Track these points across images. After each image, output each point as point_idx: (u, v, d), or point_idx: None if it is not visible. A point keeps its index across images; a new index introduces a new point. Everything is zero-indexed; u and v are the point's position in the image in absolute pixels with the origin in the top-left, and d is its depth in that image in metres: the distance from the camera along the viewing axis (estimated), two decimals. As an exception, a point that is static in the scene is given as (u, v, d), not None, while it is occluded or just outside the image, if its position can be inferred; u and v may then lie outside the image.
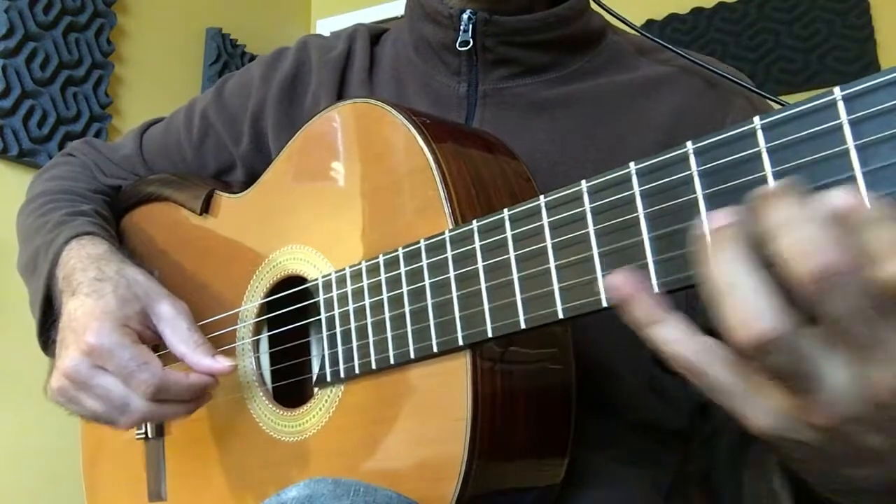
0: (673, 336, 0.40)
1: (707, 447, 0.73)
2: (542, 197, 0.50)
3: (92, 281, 0.76)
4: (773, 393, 0.38)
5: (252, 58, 2.90)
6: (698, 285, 0.39)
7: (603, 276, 0.46)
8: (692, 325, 0.40)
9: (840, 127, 0.36)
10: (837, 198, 0.34)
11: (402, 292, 0.60)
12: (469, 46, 0.79)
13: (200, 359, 0.72)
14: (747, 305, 0.36)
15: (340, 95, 0.87)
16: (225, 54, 2.83)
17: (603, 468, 0.71)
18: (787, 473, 0.50)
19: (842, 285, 0.34)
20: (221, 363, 0.72)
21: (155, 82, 2.61)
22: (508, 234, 0.52)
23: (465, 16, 0.78)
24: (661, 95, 0.78)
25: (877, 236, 0.33)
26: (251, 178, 0.85)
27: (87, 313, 0.73)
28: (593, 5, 0.83)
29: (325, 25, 3.37)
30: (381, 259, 0.62)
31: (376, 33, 0.93)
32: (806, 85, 2.50)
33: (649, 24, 2.76)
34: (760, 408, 0.39)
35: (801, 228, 0.34)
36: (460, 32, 0.79)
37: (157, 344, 0.75)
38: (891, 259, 0.33)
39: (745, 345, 0.36)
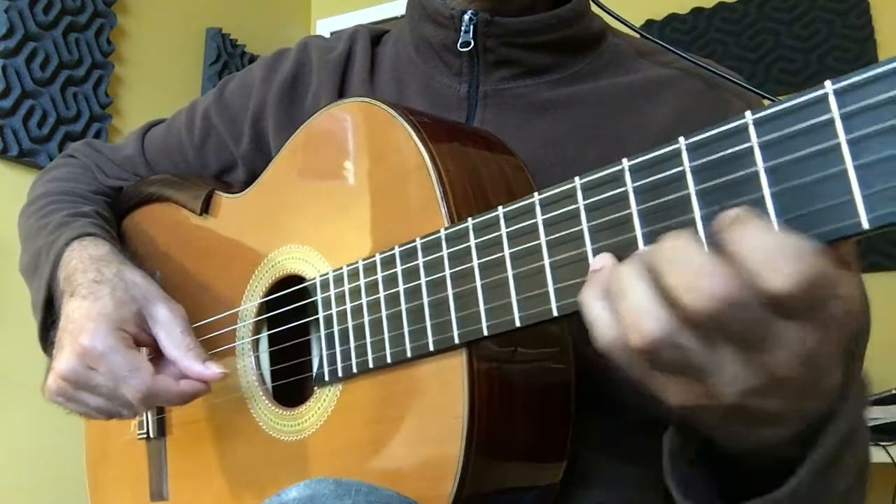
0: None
1: None
2: (536, 194, 0.50)
3: (90, 283, 0.76)
4: (673, 383, 0.43)
5: (252, 58, 2.90)
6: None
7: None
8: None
9: (832, 121, 0.36)
10: (717, 225, 0.39)
11: (399, 291, 0.60)
12: (470, 47, 0.79)
13: (191, 364, 0.73)
14: (636, 307, 0.41)
15: (341, 96, 0.87)
16: (225, 54, 2.84)
17: (603, 468, 0.71)
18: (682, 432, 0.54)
19: (734, 308, 0.38)
20: (211, 370, 0.73)
21: (155, 82, 2.61)
22: (503, 231, 0.52)
23: (466, 16, 0.78)
24: (661, 98, 0.78)
25: (755, 255, 0.37)
26: (252, 178, 0.85)
27: (83, 315, 0.73)
28: (593, 7, 0.83)
29: (325, 25, 3.37)
30: (377, 258, 0.62)
31: (377, 34, 0.93)
32: (806, 85, 2.46)
33: (649, 24, 2.76)
34: (667, 388, 0.44)
35: (687, 264, 0.39)
36: (461, 33, 0.79)
37: (153, 347, 0.76)
38: (773, 272, 0.36)
39: (636, 346, 0.41)
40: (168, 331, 0.75)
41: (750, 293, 0.37)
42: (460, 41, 0.79)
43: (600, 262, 0.44)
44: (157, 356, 0.75)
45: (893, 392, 1.97)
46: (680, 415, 0.49)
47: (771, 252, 0.36)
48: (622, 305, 0.41)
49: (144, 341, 0.75)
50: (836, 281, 0.38)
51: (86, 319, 0.72)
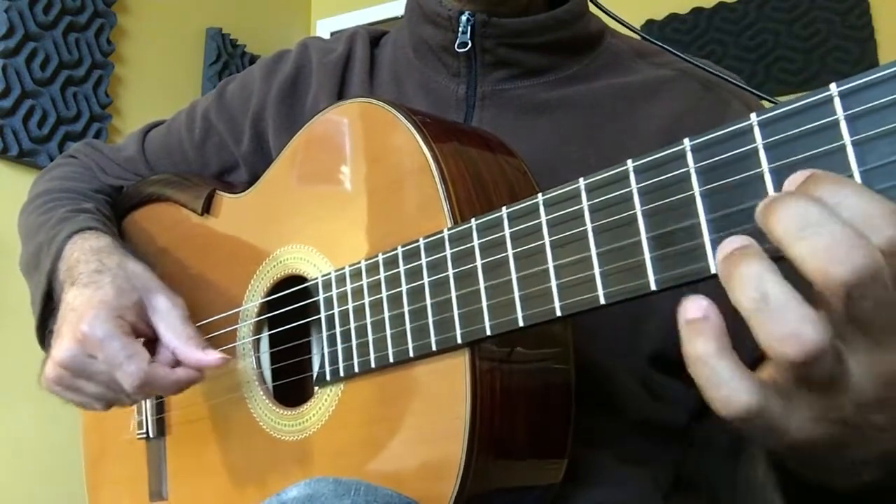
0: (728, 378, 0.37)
1: (704, 448, 0.73)
2: (540, 195, 0.50)
3: (92, 272, 0.77)
4: (799, 396, 0.37)
5: (252, 58, 2.91)
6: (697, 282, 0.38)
7: (601, 272, 0.46)
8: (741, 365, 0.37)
9: (837, 123, 0.36)
10: (849, 196, 0.33)
11: (402, 291, 0.60)
12: (468, 48, 0.79)
13: (191, 352, 0.73)
14: (789, 319, 0.34)
15: (340, 97, 0.87)
16: (225, 54, 2.83)
17: (604, 467, 0.71)
18: (772, 462, 0.50)
19: (871, 283, 0.33)
20: (211, 356, 0.73)
21: (155, 82, 2.61)
22: (507, 231, 0.52)
23: (463, 17, 0.78)
24: (659, 99, 0.78)
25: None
26: (253, 178, 0.86)
27: (83, 303, 0.74)
28: (592, 7, 0.83)
29: (325, 26, 3.37)
30: (380, 258, 0.62)
31: (376, 35, 0.94)
32: (806, 85, 2.50)
33: (649, 24, 2.76)
34: (794, 421, 0.38)
35: (820, 234, 0.33)
36: (459, 34, 0.79)
37: (153, 337, 0.76)
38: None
39: (795, 359, 0.34)
40: (167, 321, 0.75)
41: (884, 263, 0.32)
42: (458, 42, 0.79)
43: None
44: (154, 346, 0.76)
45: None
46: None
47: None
48: (773, 324, 0.34)
49: (143, 331, 0.75)
50: None
51: (86, 306, 0.73)
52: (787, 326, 0.34)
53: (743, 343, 0.37)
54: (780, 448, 0.41)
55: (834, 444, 0.39)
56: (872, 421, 0.38)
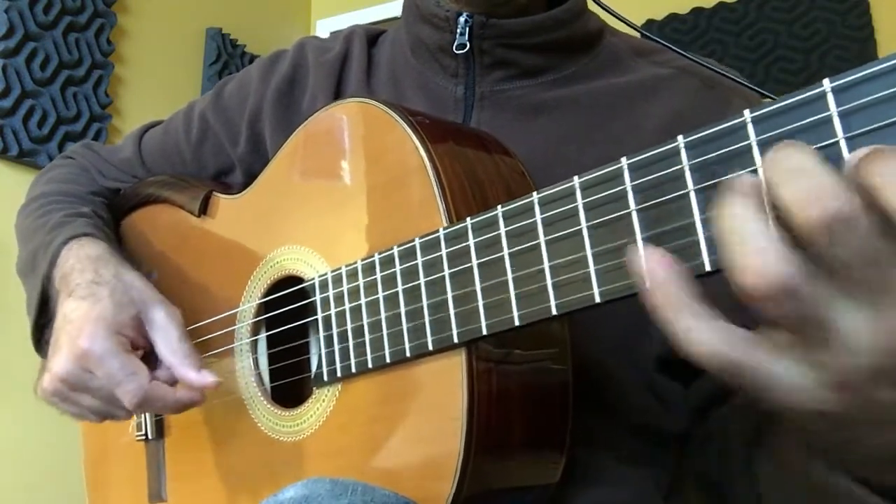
0: (694, 324, 0.38)
1: (704, 448, 0.72)
2: (535, 193, 0.50)
3: (89, 284, 0.76)
4: (792, 353, 0.37)
5: (252, 58, 2.90)
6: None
7: (596, 269, 0.46)
8: (711, 311, 0.38)
9: (830, 119, 0.36)
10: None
11: (398, 290, 0.60)
12: (466, 49, 0.79)
13: (186, 372, 0.73)
14: (761, 253, 0.35)
15: (338, 97, 0.87)
16: (225, 54, 2.83)
17: (604, 468, 0.71)
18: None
19: (850, 229, 0.33)
20: (206, 378, 0.73)
21: (155, 82, 2.61)
22: (502, 230, 0.52)
23: (461, 19, 0.78)
24: (658, 98, 0.78)
25: (880, 172, 0.33)
26: (250, 180, 0.86)
27: (81, 317, 0.73)
28: (592, 5, 0.83)
29: (325, 25, 3.37)
30: (376, 258, 0.62)
31: (373, 35, 0.93)
32: (806, 85, 2.48)
33: (649, 24, 2.76)
34: (783, 378, 0.37)
35: (804, 176, 0.34)
36: (457, 35, 0.79)
37: (149, 350, 0.76)
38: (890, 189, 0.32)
39: (760, 291, 0.35)
40: (165, 336, 0.75)
41: (862, 207, 0.33)
42: (456, 43, 0.79)
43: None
44: (152, 358, 0.76)
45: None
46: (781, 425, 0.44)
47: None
48: (744, 254, 0.36)
49: (141, 344, 0.75)
50: None
51: (84, 321, 0.72)
52: (755, 261, 0.35)
53: None
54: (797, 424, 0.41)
55: (845, 420, 0.39)
56: (883, 397, 0.37)
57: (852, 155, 0.34)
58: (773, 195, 0.35)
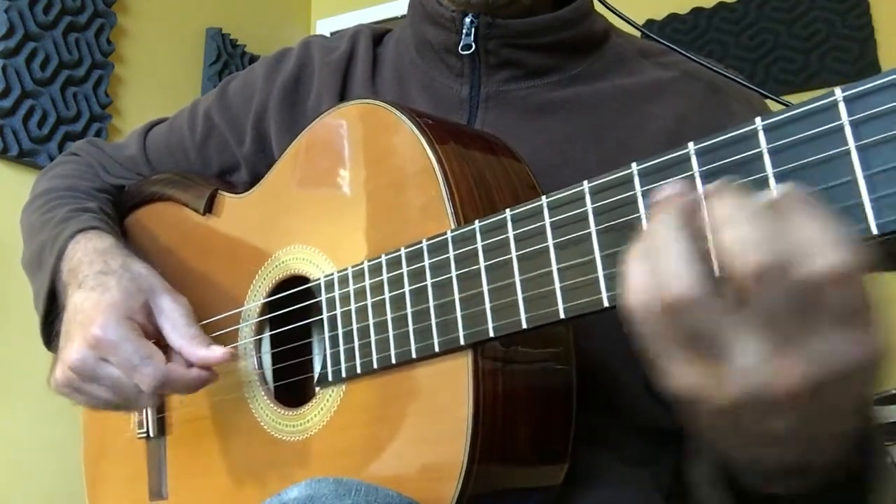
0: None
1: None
2: (544, 197, 0.50)
3: (97, 274, 0.77)
4: (686, 355, 0.41)
5: (252, 58, 2.90)
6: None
7: (605, 274, 0.46)
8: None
9: (841, 128, 0.36)
10: (770, 194, 0.38)
11: (405, 292, 0.60)
12: (471, 50, 0.79)
13: (196, 350, 0.73)
14: (670, 267, 0.39)
15: (343, 96, 0.87)
16: (225, 54, 2.83)
17: (606, 469, 0.71)
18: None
19: (775, 280, 0.36)
20: (216, 352, 0.73)
21: (155, 82, 2.61)
22: (510, 234, 0.52)
23: (467, 20, 0.78)
24: (663, 100, 0.78)
25: (808, 233, 0.36)
26: (255, 179, 0.86)
27: (92, 306, 0.74)
28: (597, 6, 0.83)
29: (325, 25, 3.37)
30: (383, 259, 0.62)
31: (379, 34, 0.93)
32: (806, 85, 2.50)
33: (649, 24, 2.76)
34: (679, 367, 0.41)
35: (740, 226, 0.37)
36: (462, 36, 0.79)
37: (159, 338, 0.76)
38: (819, 255, 0.35)
39: (665, 304, 0.39)
40: (173, 321, 0.76)
41: (792, 264, 0.36)
42: (461, 44, 0.79)
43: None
44: (162, 346, 0.76)
45: (893, 392, 1.97)
46: (686, 416, 0.47)
47: (820, 231, 0.36)
48: (658, 262, 0.40)
49: (151, 332, 0.75)
50: (875, 300, 0.37)
51: (95, 310, 0.73)
52: (663, 276, 0.39)
53: None
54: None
55: (736, 430, 0.43)
56: (771, 424, 0.41)
57: (779, 198, 0.38)
58: (715, 233, 0.38)
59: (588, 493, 0.69)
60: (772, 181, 0.38)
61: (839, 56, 2.49)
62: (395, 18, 3.09)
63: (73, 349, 0.73)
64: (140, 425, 0.90)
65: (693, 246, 0.39)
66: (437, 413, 0.60)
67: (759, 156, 0.39)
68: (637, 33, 0.85)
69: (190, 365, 0.74)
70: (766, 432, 0.42)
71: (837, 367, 0.38)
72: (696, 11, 2.72)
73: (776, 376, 0.38)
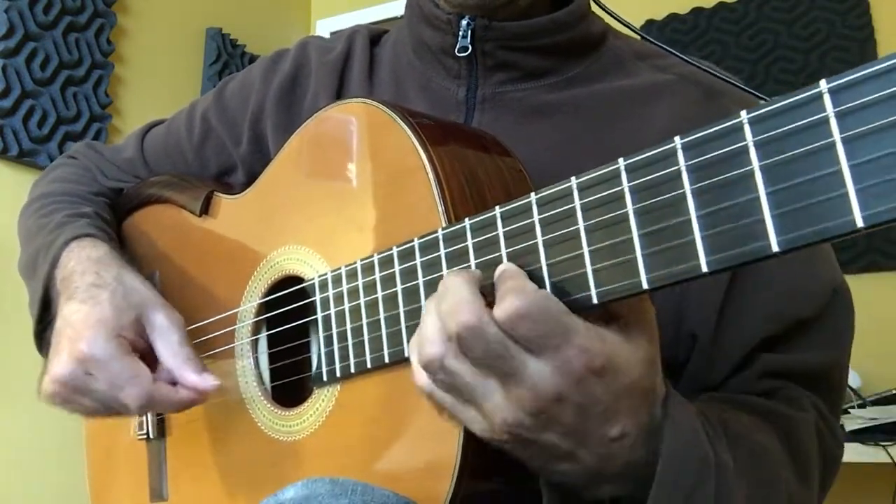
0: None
1: None
2: (532, 194, 0.50)
3: (89, 286, 0.76)
4: (462, 411, 0.52)
5: (252, 58, 2.91)
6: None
7: (593, 270, 0.46)
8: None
9: (826, 120, 0.36)
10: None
11: (397, 291, 0.60)
12: (468, 52, 0.79)
13: (187, 374, 0.73)
14: (425, 333, 0.50)
15: (340, 96, 0.87)
16: (225, 54, 2.84)
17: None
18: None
19: (479, 336, 0.47)
20: (206, 381, 0.73)
21: (155, 82, 2.61)
22: (500, 231, 0.52)
23: (463, 22, 0.78)
24: (660, 103, 0.77)
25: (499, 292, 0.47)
26: (252, 180, 0.86)
27: (81, 320, 0.73)
28: (594, 7, 0.82)
29: (325, 25, 3.37)
30: (375, 258, 0.62)
31: (376, 34, 0.93)
32: (806, 85, 2.49)
33: (649, 24, 2.76)
34: (466, 419, 0.52)
35: (451, 294, 0.49)
36: (459, 38, 0.78)
37: (149, 353, 0.76)
38: (502, 302, 0.47)
39: (420, 363, 0.51)
40: (166, 339, 0.75)
41: (488, 318, 0.47)
42: (458, 46, 0.78)
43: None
44: (153, 361, 0.76)
45: (893, 392, 1.97)
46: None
47: (507, 289, 0.47)
48: (421, 329, 0.51)
49: (141, 347, 0.75)
50: (569, 330, 0.46)
51: (84, 325, 0.72)
52: (420, 340, 0.51)
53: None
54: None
55: (528, 453, 0.52)
56: (545, 440, 0.50)
57: (498, 269, 0.50)
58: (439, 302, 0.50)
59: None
60: (758, 174, 0.38)
61: (839, 56, 2.49)
62: (395, 18, 3.09)
63: (60, 363, 0.72)
64: (140, 427, 0.91)
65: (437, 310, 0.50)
66: (430, 411, 0.59)
67: (745, 149, 0.39)
68: (634, 36, 0.84)
69: (176, 382, 0.74)
70: (551, 446, 0.50)
71: (553, 383, 0.47)
72: (696, 11, 2.72)
73: (519, 402, 0.48)
